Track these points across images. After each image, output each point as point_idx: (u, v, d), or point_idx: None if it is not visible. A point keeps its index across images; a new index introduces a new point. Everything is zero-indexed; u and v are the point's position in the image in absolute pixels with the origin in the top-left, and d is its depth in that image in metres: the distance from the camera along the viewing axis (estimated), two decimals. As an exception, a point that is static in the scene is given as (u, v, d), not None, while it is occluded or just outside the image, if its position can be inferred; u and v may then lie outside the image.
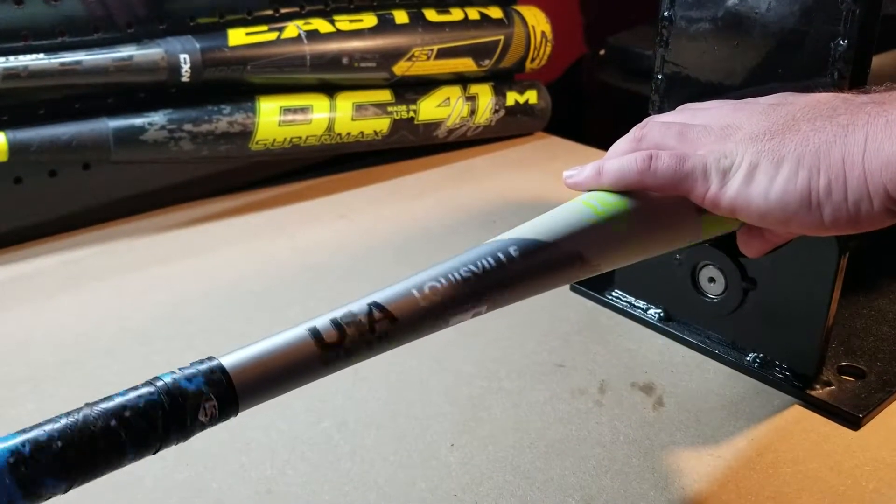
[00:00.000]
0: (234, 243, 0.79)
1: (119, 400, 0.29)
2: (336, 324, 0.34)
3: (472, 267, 0.37)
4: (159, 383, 0.30)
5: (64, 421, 0.28)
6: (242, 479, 0.48)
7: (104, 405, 0.29)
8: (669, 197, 0.44)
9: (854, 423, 0.53)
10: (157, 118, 0.78)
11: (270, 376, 0.32)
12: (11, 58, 0.70)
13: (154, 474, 0.48)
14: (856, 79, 0.50)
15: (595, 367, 0.59)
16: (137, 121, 0.77)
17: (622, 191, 0.44)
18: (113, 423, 0.28)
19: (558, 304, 0.67)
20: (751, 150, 0.40)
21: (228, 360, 0.32)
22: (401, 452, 0.50)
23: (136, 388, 0.30)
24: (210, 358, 0.32)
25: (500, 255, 0.38)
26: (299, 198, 0.90)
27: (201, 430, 0.31)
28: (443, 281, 0.37)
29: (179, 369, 0.31)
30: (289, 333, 0.34)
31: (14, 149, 0.71)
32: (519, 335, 0.63)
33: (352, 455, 0.50)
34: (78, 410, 0.29)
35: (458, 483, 0.48)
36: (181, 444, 0.32)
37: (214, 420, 0.31)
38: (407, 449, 0.51)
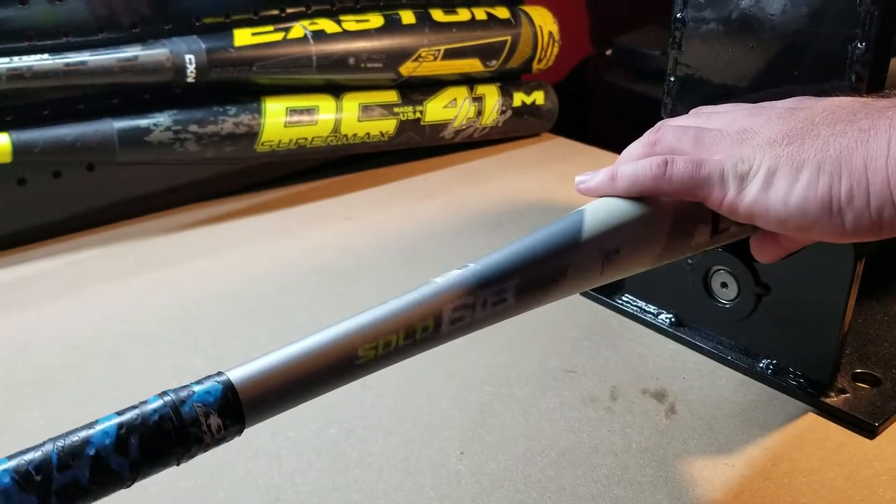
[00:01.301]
0: (239, 245, 0.79)
1: (119, 419, 0.28)
2: (356, 369, 0.33)
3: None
4: (166, 398, 0.29)
5: (51, 446, 0.27)
6: (249, 488, 0.48)
7: (97, 427, 0.28)
8: (683, 202, 0.43)
9: (869, 431, 0.52)
10: (162, 119, 0.77)
11: (279, 393, 0.31)
12: (16, 58, 0.69)
13: (160, 482, 0.47)
14: (873, 82, 0.49)
15: (606, 374, 0.58)
16: (142, 122, 0.76)
17: (635, 196, 0.43)
18: (111, 445, 0.27)
19: (568, 308, 0.66)
20: (769, 155, 0.40)
21: (236, 375, 0.31)
22: (409, 460, 0.50)
23: (138, 406, 0.29)
24: (219, 373, 0.31)
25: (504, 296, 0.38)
26: (305, 199, 0.89)
27: (206, 449, 0.30)
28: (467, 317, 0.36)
29: (185, 386, 0.30)
30: (299, 348, 0.33)
31: (18, 150, 0.70)
32: (528, 340, 0.62)
33: (359, 462, 0.50)
34: (66, 436, 0.28)
35: (468, 492, 0.47)
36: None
37: (220, 439, 0.30)
38: (415, 456, 0.50)
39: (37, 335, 0.63)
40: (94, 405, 0.57)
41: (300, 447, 0.51)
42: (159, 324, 0.65)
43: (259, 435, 0.51)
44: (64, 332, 0.64)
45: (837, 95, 0.42)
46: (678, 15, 0.57)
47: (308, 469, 0.49)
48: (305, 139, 0.85)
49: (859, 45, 0.48)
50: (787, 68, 0.52)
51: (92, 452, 0.27)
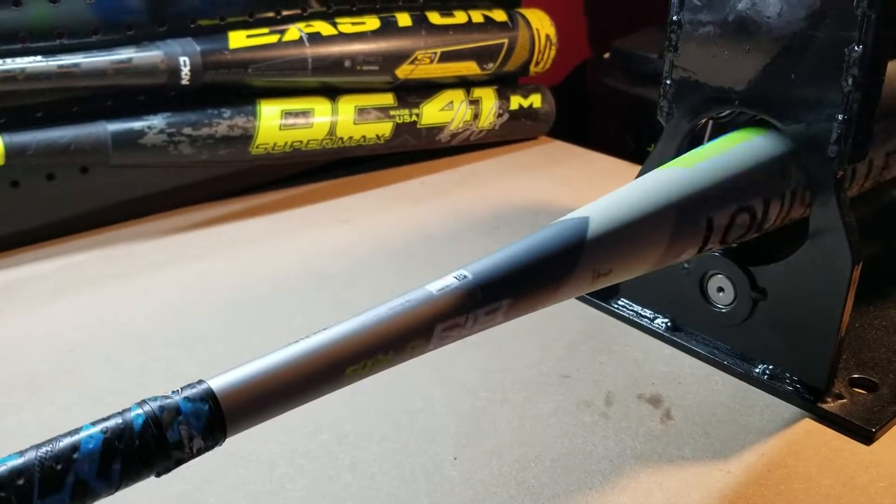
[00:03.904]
0: (234, 249, 0.78)
1: (98, 427, 0.28)
2: (340, 377, 0.33)
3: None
4: (145, 408, 0.29)
5: (34, 454, 0.27)
6: (240, 494, 0.47)
7: (75, 437, 0.27)
8: (682, 213, 0.43)
9: (867, 437, 0.52)
10: (157, 121, 0.77)
11: (261, 402, 0.31)
12: (9, 60, 0.69)
13: (149, 489, 0.46)
14: (870, 85, 0.48)
15: (601, 378, 0.58)
16: (136, 124, 0.76)
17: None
18: (87, 454, 0.27)
19: (563, 312, 0.66)
20: None
21: (217, 384, 0.30)
22: (402, 466, 0.49)
23: (117, 414, 0.29)
24: (199, 381, 0.30)
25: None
26: (300, 202, 0.89)
27: (188, 458, 0.29)
28: (459, 327, 0.36)
29: (166, 395, 0.30)
30: (284, 356, 0.32)
31: (11, 152, 0.70)
32: (524, 345, 0.62)
33: (352, 468, 0.49)
34: (43, 445, 0.27)
35: (461, 498, 0.47)
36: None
37: (201, 448, 0.29)
38: (409, 462, 0.50)
39: (30, 338, 0.63)
40: (87, 409, 0.57)
41: (292, 453, 0.50)
42: (153, 327, 0.64)
43: (250, 440, 0.50)
44: (57, 335, 0.63)
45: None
46: (674, 17, 0.56)
47: (299, 475, 0.49)
48: (301, 142, 0.85)
49: (856, 47, 0.48)
50: (784, 71, 0.52)
51: (72, 469, 0.26)
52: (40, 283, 0.72)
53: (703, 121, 0.58)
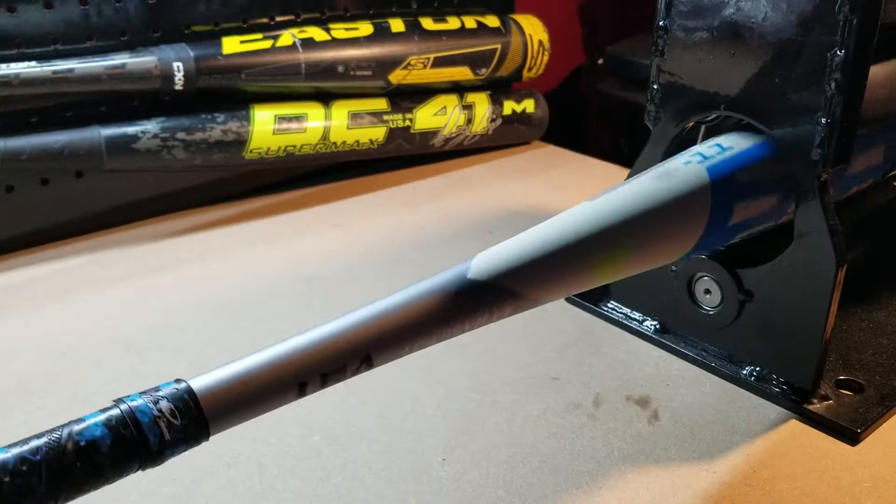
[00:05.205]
0: (227, 253, 0.79)
1: (77, 427, 0.28)
2: (323, 377, 0.33)
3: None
4: (122, 407, 0.29)
5: (18, 450, 0.27)
6: (230, 494, 0.47)
7: (58, 433, 0.28)
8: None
9: (852, 438, 0.52)
10: (150, 126, 0.77)
11: (242, 401, 0.31)
12: (3, 65, 0.69)
13: (140, 489, 0.47)
14: (853, 90, 0.49)
15: (590, 380, 0.58)
16: (130, 129, 0.76)
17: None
18: (67, 451, 0.27)
19: (553, 315, 0.66)
20: None
21: (198, 383, 0.31)
22: (392, 467, 0.50)
23: (98, 412, 0.29)
24: (178, 381, 0.31)
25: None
26: (294, 207, 0.89)
27: (169, 456, 0.30)
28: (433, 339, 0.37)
29: (146, 392, 0.30)
30: (264, 357, 0.33)
31: (6, 157, 0.70)
32: (513, 347, 0.62)
33: (342, 470, 0.49)
34: (27, 440, 0.28)
35: (449, 499, 0.47)
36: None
37: (183, 445, 0.30)
38: (398, 463, 0.50)
39: (22, 342, 0.63)
40: (77, 412, 0.57)
41: (282, 454, 0.51)
42: (145, 331, 0.65)
43: (240, 441, 0.51)
44: (50, 339, 0.64)
45: None
46: (661, 23, 0.57)
47: (290, 476, 0.49)
48: (294, 147, 0.86)
49: (838, 52, 0.48)
50: (769, 75, 0.52)
51: (53, 468, 0.27)
52: (34, 286, 0.72)
53: (690, 124, 0.58)
